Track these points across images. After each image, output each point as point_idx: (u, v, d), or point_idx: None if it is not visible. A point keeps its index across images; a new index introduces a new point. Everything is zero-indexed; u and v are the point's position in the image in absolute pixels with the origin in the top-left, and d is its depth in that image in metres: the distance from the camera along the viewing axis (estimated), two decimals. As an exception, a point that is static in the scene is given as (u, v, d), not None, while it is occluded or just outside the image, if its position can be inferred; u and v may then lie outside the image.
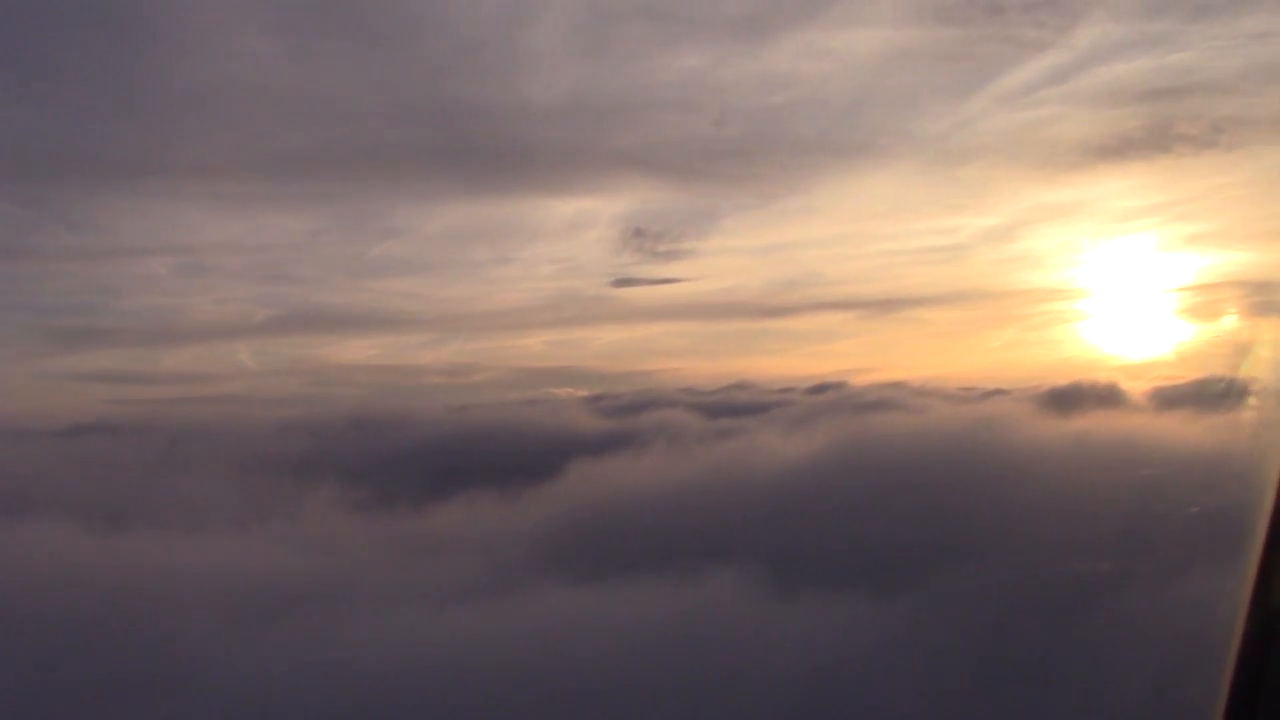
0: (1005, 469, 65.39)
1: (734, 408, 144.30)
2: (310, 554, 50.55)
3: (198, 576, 42.22)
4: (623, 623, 41.59)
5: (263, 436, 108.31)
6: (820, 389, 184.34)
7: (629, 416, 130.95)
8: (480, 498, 66.10)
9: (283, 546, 51.20)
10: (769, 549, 49.37)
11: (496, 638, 39.28)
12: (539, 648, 38.93)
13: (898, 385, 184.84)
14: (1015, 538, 54.75)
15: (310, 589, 43.94)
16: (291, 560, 48.21)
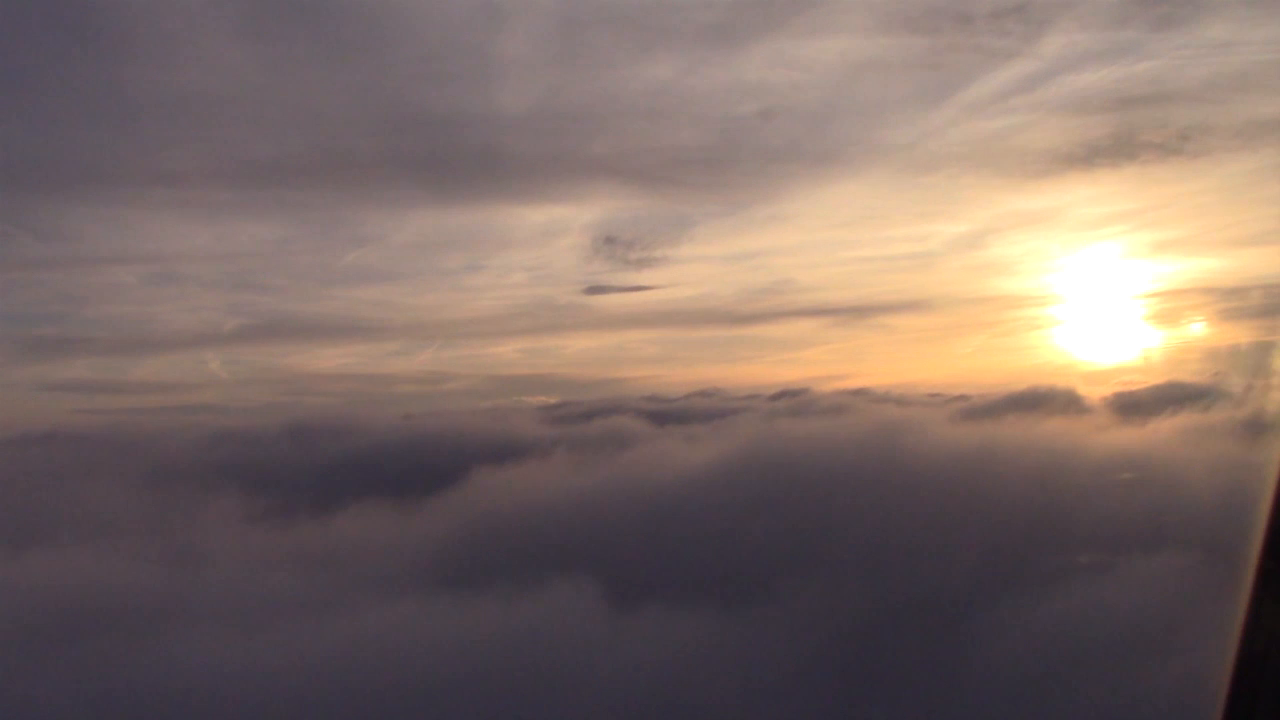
0: (911, 477, 64.52)
1: (687, 415, 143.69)
2: (174, 567, 49.49)
3: (31, 590, 41.21)
4: (464, 635, 40.58)
5: (196, 446, 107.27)
6: (784, 396, 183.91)
7: (577, 425, 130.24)
8: (379, 507, 65.10)
9: (146, 559, 50.10)
10: (634, 561, 48.51)
11: (329, 650, 38.23)
12: (374, 660, 37.97)
13: (860, 392, 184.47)
14: (900, 547, 53.98)
15: (157, 603, 42.90)
16: (147, 573, 47.14)
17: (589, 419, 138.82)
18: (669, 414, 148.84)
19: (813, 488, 60.81)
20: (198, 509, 68.14)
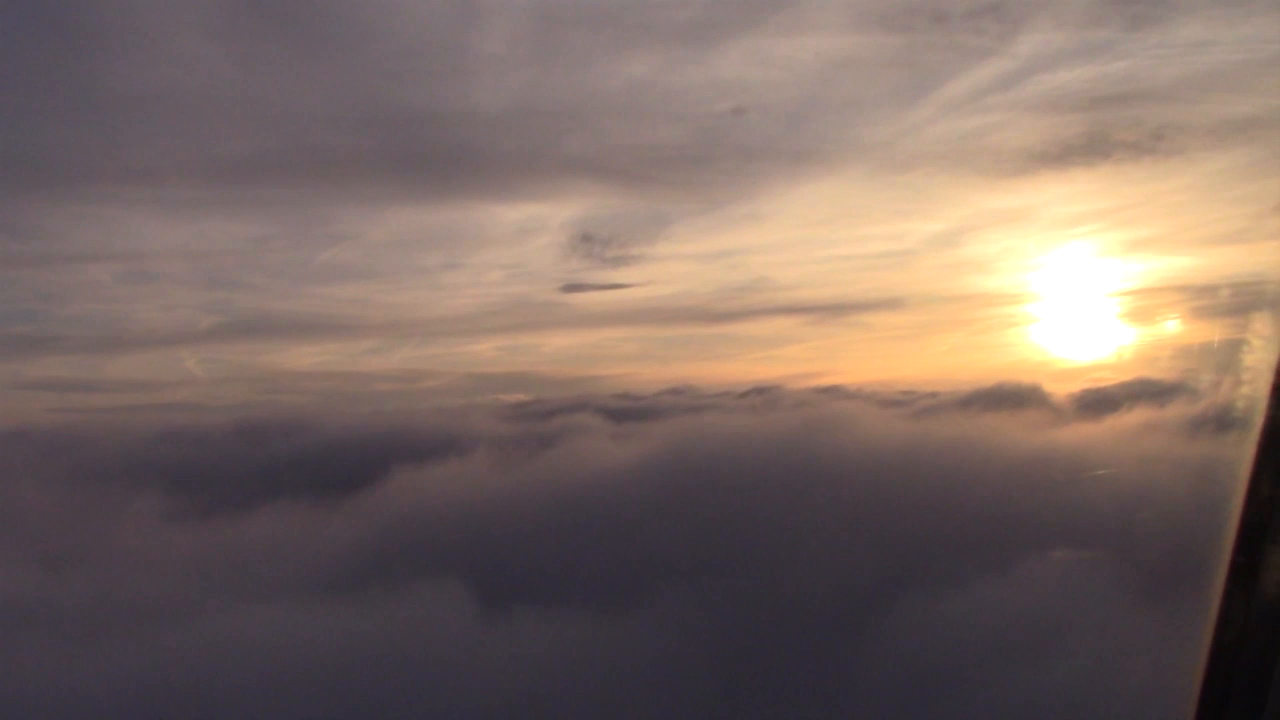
0: (835, 476, 63.66)
1: (651, 413, 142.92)
2: (61, 569, 48.66)
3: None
4: (336, 637, 39.73)
5: (141, 444, 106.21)
6: (753, 394, 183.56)
7: (533, 423, 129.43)
8: (298, 507, 64.23)
9: (35, 561, 49.21)
10: (528, 562, 47.73)
11: (186, 654, 37.43)
12: (231, 663, 37.12)
13: (831, 390, 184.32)
14: (809, 547, 53.21)
15: (25, 607, 42.11)
16: (27, 575, 46.28)
17: (550, 417, 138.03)
18: (634, 411, 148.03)
19: (732, 486, 60.04)
20: (117, 508, 67.26)
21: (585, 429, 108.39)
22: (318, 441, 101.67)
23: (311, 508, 63.37)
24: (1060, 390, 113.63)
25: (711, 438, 73.96)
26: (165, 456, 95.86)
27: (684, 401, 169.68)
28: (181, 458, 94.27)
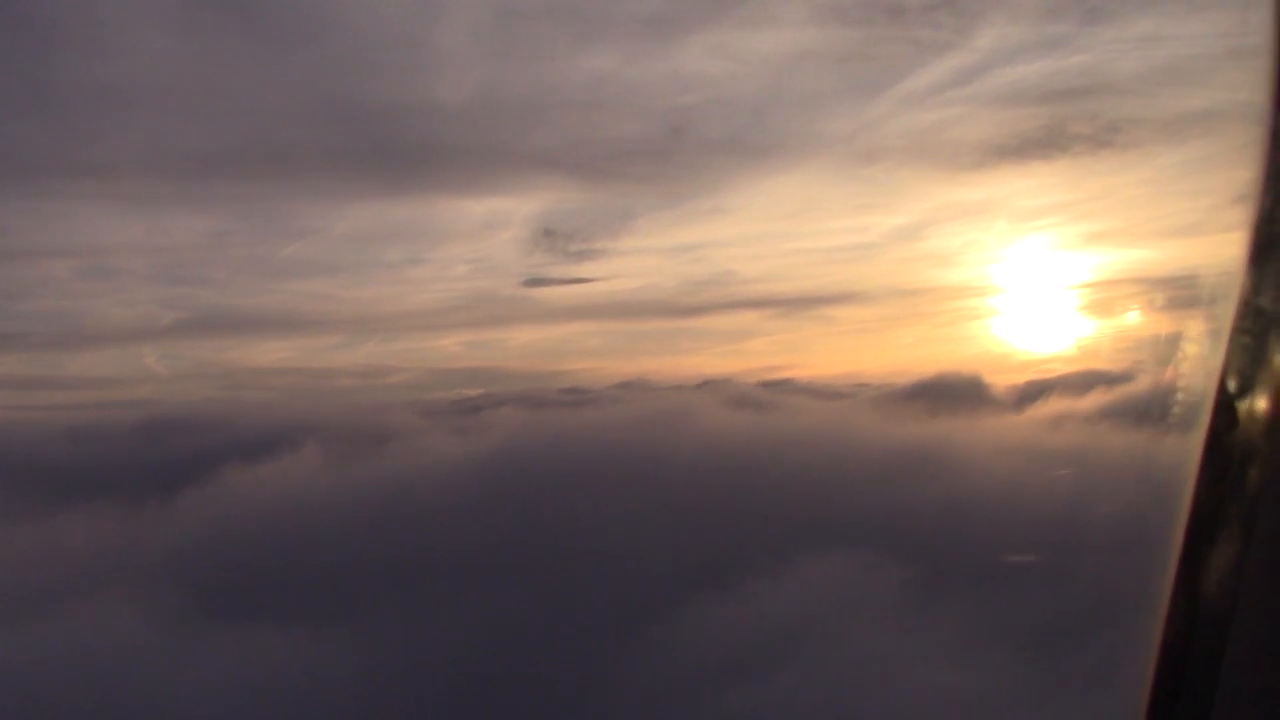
0: (667, 471, 60.96)
1: (579, 405, 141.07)
2: None
3: None
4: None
5: (31, 443, 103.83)
6: (702, 386, 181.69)
7: (450, 418, 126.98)
8: (111, 510, 61.62)
9: None
10: (289, 569, 45.07)
11: None
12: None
13: (781, 383, 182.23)
14: (609, 550, 50.58)
15: None
16: None
17: (474, 412, 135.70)
18: (569, 404, 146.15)
19: (556, 485, 57.36)
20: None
21: (484, 425, 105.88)
22: (202, 440, 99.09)
23: (129, 510, 60.86)
24: (1002, 381, 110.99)
25: (565, 433, 71.23)
26: (43, 455, 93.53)
27: (627, 395, 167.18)
28: (57, 456, 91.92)
